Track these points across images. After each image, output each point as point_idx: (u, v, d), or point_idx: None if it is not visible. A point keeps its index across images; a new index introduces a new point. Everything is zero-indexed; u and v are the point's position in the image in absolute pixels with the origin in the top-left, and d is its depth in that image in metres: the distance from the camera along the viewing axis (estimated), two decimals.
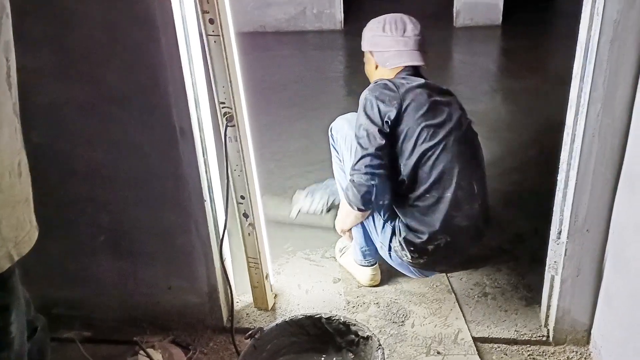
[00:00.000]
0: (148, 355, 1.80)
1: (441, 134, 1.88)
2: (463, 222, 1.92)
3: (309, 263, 2.32)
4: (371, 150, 1.83)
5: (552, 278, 1.80)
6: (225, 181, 1.77)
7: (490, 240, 2.32)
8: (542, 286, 1.87)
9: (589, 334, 1.82)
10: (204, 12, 1.55)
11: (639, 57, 1.46)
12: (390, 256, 2.02)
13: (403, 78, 1.92)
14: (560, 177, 1.68)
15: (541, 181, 1.94)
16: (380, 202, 1.92)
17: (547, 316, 1.87)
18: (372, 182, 1.84)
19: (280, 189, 2.88)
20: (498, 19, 5.43)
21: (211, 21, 1.56)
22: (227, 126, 1.72)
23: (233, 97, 1.68)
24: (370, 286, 2.14)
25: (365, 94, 1.90)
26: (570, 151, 1.63)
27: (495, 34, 5.35)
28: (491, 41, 5.26)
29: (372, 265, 2.14)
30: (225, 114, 1.71)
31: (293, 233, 2.51)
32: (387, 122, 1.84)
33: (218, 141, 1.77)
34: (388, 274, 2.19)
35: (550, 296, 1.84)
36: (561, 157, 1.67)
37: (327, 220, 2.35)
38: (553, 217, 1.74)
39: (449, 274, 2.19)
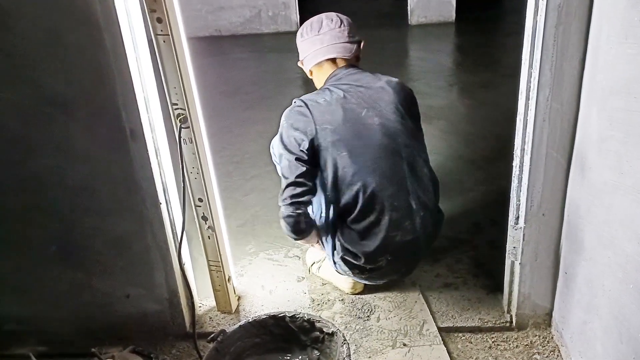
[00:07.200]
0: None
1: (363, 157, 1.80)
2: (406, 238, 1.86)
3: (272, 263, 2.29)
4: (292, 179, 1.78)
5: (512, 264, 1.82)
6: (182, 184, 1.73)
7: (449, 231, 2.33)
8: (503, 273, 1.89)
9: (551, 317, 1.85)
10: (151, 11, 1.51)
11: (585, 41, 1.48)
12: (336, 267, 1.98)
13: (327, 89, 1.87)
14: (515, 162, 1.70)
15: (499, 170, 1.95)
16: (316, 220, 1.90)
17: (509, 302, 1.89)
18: (299, 211, 1.79)
19: (241, 191, 2.85)
20: (451, 16, 5.52)
21: (159, 20, 1.52)
22: (181, 128, 1.67)
23: (186, 98, 1.64)
24: (353, 294, 2.06)
25: (282, 117, 1.86)
26: (523, 137, 1.64)
27: (449, 31, 5.44)
28: (445, 38, 5.34)
29: None
30: (178, 115, 1.66)
31: (255, 234, 2.48)
32: (302, 150, 1.79)
33: (172, 143, 1.72)
34: None
35: (511, 282, 1.85)
36: (515, 143, 1.68)
37: None
38: (510, 203, 1.75)
39: None
